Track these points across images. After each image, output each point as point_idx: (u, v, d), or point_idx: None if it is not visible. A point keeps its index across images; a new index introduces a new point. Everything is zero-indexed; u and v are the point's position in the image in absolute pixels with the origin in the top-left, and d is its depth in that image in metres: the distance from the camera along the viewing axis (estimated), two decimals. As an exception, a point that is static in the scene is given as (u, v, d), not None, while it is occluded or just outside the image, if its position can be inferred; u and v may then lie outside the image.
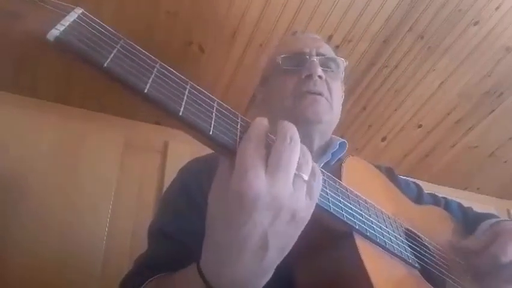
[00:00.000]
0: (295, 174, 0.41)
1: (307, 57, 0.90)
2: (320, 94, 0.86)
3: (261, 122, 0.43)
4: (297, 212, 0.40)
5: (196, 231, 0.49)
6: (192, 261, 0.49)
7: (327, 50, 0.96)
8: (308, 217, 0.42)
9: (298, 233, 0.42)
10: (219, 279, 0.42)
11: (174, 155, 1.39)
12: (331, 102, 0.88)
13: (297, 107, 0.86)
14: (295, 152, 0.41)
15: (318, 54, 0.91)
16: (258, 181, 0.38)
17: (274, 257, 0.42)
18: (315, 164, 0.44)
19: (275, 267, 0.43)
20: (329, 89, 0.88)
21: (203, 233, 0.44)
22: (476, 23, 1.38)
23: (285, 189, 0.39)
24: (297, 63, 0.91)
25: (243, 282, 0.41)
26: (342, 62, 0.95)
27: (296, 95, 0.87)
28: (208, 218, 0.43)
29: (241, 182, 0.38)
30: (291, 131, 0.42)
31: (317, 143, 0.90)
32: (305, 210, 0.41)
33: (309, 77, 0.87)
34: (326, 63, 0.91)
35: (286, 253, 0.43)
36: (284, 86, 0.90)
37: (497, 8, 1.34)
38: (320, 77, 0.87)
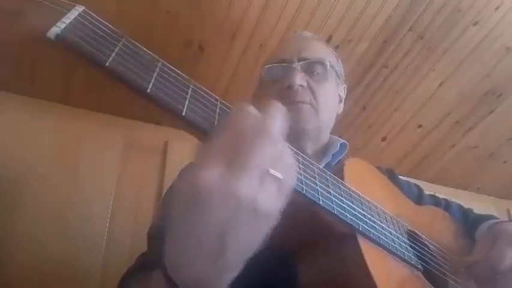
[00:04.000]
0: (266, 171, 0.36)
1: (288, 64, 0.87)
2: (302, 102, 0.84)
3: (244, 109, 0.39)
4: (262, 210, 0.36)
5: None
6: None
7: (313, 51, 0.91)
8: (276, 215, 0.38)
9: (266, 229, 0.38)
10: (180, 276, 0.38)
11: (174, 155, 1.38)
12: (316, 108, 0.86)
13: None
14: (269, 148, 0.36)
15: (300, 60, 0.87)
16: (213, 174, 0.35)
17: (237, 255, 0.38)
18: (308, 158, 0.42)
19: (243, 262, 0.39)
20: (314, 94, 0.86)
21: None
22: (476, 23, 1.38)
23: (248, 187, 0.35)
24: (279, 72, 0.89)
25: (205, 279, 0.38)
26: (329, 62, 0.90)
27: None
28: (171, 211, 0.39)
29: (196, 173, 0.35)
30: (269, 121, 0.38)
31: (311, 148, 0.89)
32: (273, 206, 0.37)
33: (290, 87, 0.84)
34: (309, 68, 0.88)
35: (253, 249, 0.39)
36: (268, 96, 0.88)
37: (497, 8, 1.34)
38: (301, 85, 0.84)
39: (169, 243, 0.39)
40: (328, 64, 0.89)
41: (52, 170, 1.20)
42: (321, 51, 0.94)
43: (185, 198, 0.36)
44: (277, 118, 0.39)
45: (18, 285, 1.07)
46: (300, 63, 0.87)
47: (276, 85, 0.88)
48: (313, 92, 0.86)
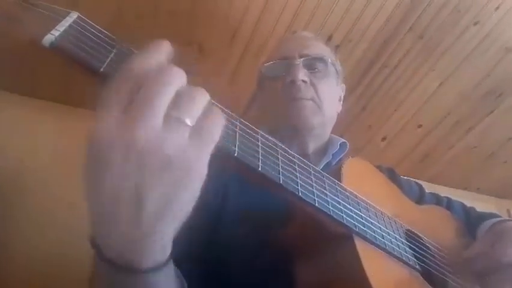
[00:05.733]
0: (170, 115, 0.33)
1: (290, 61, 0.88)
2: (305, 98, 0.85)
3: (140, 54, 0.36)
4: (173, 158, 0.33)
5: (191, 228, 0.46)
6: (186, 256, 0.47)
7: (314, 49, 0.92)
8: (198, 166, 0.35)
9: (188, 186, 0.35)
10: (109, 249, 0.36)
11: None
12: (319, 104, 0.86)
13: (285, 114, 0.85)
14: (167, 87, 0.33)
15: (301, 56, 0.88)
16: (107, 123, 0.32)
17: (155, 217, 0.34)
18: (214, 108, 0.38)
19: (171, 227, 0.36)
20: (316, 91, 0.87)
21: (198, 229, 0.42)
22: (476, 23, 1.38)
23: (146, 131, 0.32)
24: (280, 69, 0.89)
25: (124, 244, 0.35)
26: (330, 59, 0.91)
27: (283, 102, 0.86)
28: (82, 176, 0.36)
29: (93, 125, 0.32)
30: (169, 66, 0.35)
31: (312, 146, 0.89)
32: (189, 156, 0.34)
33: (292, 82, 0.85)
34: (311, 64, 0.89)
35: (178, 212, 0.35)
36: (271, 93, 0.89)
37: (496, 8, 1.34)
38: (303, 81, 0.85)
39: (91, 217, 0.36)
40: (329, 60, 0.91)
41: (52, 170, 1.21)
42: (322, 48, 0.96)
43: (88, 158, 0.33)
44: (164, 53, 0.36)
45: (18, 285, 1.07)
46: (302, 59, 0.88)
47: (277, 82, 0.88)
48: (315, 88, 0.87)
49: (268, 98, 0.91)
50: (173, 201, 0.34)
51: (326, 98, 0.88)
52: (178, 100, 0.34)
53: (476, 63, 1.50)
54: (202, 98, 0.36)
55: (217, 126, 0.37)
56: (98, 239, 0.37)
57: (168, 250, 0.39)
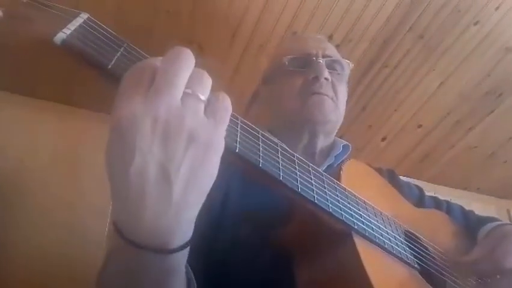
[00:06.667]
0: (185, 92, 0.36)
1: (314, 58, 0.90)
2: (326, 95, 0.87)
3: (155, 58, 0.39)
4: (194, 132, 0.35)
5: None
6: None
7: (333, 51, 0.96)
8: (217, 141, 0.37)
9: (210, 160, 0.36)
10: (131, 228, 0.36)
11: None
12: (336, 103, 0.89)
13: (303, 107, 0.86)
14: (182, 68, 0.36)
15: (324, 56, 0.91)
16: (132, 102, 0.33)
17: (184, 191, 0.35)
18: (222, 92, 0.40)
19: (198, 202, 0.37)
20: (335, 91, 0.89)
21: (199, 228, 0.42)
22: (476, 23, 1.38)
23: (169, 106, 0.34)
24: (304, 64, 0.91)
25: (157, 226, 0.35)
26: (348, 65, 0.95)
27: (302, 96, 0.87)
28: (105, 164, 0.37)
29: (116, 109, 0.34)
30: (181, 51, 0.37)
31: (321, 143, 0.90)
32: (207, 130, 0.36)
33: (316, 78, 0.87)
34: (332, 65, 0.92)
35: (203, 186, 0.37)
36: (290, 86, 0.90)
37: (497, 8, 1.34)
38: (326, 79, 0.87)
39: (113, 200, 0.36)
40: (346, 66, 0.95)
41: (52, 170, 1.21)
42: (338, 53, 0.99)
43: (112, 140, 0.34)
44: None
45: (18, 286, 1.07)
46: (325, 59, 0.90)
47: (300, 75, 0.90)
48: (334, 88, 0.89)
49: (284, 90, 0.91)
50: (198, 175, 0.36)
51: (342, 99, 0.92)
52: (189, 79, 0.37)
53: (476, 63, 1.50)
54: (208, 77, 0.39)
55: (227, 105, 0.39)
56: (125, 225, 0.36)
57: (192, 227, 0.39)
